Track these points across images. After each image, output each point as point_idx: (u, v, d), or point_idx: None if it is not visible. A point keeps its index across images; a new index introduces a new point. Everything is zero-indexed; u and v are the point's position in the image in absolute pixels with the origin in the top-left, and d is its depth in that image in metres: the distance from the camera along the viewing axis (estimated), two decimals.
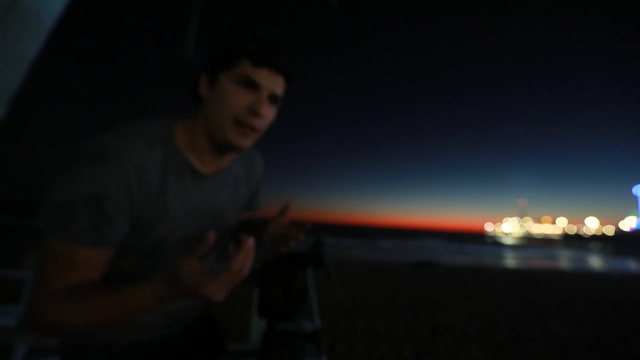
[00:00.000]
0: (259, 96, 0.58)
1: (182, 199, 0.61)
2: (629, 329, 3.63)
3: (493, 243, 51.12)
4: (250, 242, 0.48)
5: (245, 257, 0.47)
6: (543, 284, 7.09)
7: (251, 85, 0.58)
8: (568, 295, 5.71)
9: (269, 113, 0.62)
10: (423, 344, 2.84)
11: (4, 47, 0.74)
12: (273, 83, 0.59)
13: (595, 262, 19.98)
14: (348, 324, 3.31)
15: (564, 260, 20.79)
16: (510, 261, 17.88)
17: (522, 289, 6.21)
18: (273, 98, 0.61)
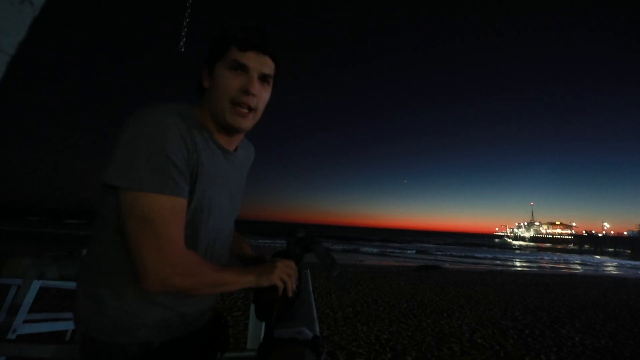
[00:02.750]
0: (249, 77, 0.69)
1: (213, 167, 0.71)
2: None
3: (503, 246, 51.17)
4: None
5: None
6: (555, 289, 7.11)
7: (240, 67, 0.68)
8: (581, 301, 5.73)
9: (261, 92, 0.72)
10: (428, 352, 2.85)
11: None
12: (260, 64, 0.69)
13: (611, 266, 20.03)
14: (349, 330, 3.32)
15: (577, 264, 20.84)
16: (521, 265, 17.93)
17: (533, 294, 6.23)
18: (263, 77, 0.71)
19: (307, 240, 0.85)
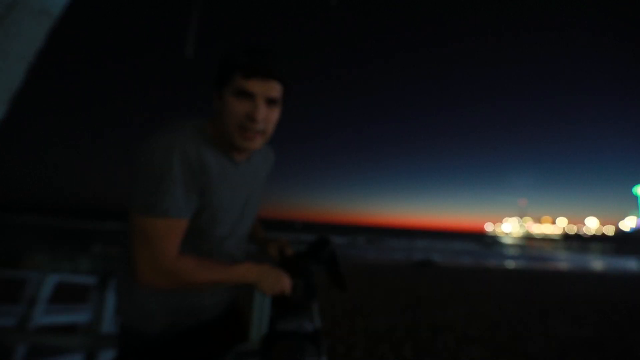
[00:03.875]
0: (254, 103, 0.67)
1: (221, 179, 0.73)
2: (629, 329, 3.63)
3: (493, 243, 51.09)
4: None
5: None
6: (543, 284, 7.09)
7: (245, 95, 0.66)
8: (568, 295, 5.72)
9: (268, 115, 0.70)
10: (423, 344, 2.84)
11: (4, 47, 0.74)
12: (266, 89, 0.67)
13: (595, 262, 19.99)
14: (348, 324, 3.31)
15: (564, 260, 20.80)
16: (510, 261, 17.89)
17: (522, 289, 6.21)
18: (270, 101, 0.69)
19: (335, 262, 0.88)
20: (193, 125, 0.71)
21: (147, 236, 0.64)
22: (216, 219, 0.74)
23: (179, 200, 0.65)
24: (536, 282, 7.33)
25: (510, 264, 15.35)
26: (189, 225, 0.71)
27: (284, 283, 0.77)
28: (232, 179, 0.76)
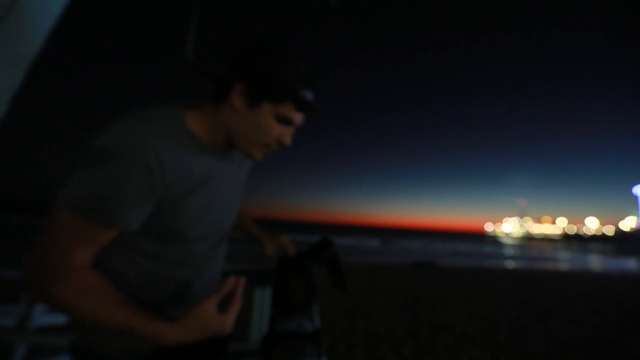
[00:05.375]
0: (289, 130, 0.68)
1: (206, 180, 0.67)
2: (629, 329, 3.63)
3: (493, 243, 51.07)
4: (243, 281, 0.61)
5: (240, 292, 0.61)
6: (543, 284, 7.09)
7: (287, 122, 0.66)
8: (568, 295, 5.72)
9: None
10: (423, 344, 2.84)
11: (4, 47, 0.74)
12: (301, 119, 0.69)
13: (595, 262, 19.99)
14: (348, 324, 3.31)
15: (564, 260, 20.79)
16: (510, 261, 17.89)
17: (522, 289, 6.21)
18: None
19: (335, 258, 0.88)
20: (168, 118, 0.60)
21: (54, 229, 0.52)
22: (192, 221, 0.66)
23: (118, 208, 0.53)
24: (536, 282, 7.33)
25: (510, 264, 15.35)
26: (160, 228, 0.61)
27: (226, 328, 0.60)
28: (214, 177, 0.69)
